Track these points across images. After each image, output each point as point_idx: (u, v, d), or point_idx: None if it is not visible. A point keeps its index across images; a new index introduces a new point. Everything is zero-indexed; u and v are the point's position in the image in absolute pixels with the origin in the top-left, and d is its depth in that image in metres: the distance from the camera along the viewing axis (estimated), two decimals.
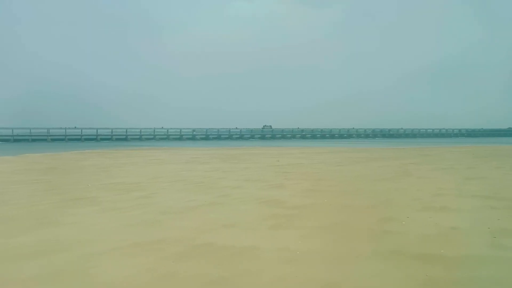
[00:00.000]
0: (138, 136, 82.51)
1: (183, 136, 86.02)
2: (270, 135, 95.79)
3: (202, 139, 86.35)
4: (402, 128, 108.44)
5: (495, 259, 5.64)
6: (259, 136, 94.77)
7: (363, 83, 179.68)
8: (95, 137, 77.56)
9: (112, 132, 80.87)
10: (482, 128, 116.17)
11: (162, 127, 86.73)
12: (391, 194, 11.36)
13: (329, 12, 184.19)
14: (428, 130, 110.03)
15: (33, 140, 71.03)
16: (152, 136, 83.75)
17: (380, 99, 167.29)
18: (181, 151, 35.35)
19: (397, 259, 5.70)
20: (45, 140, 72.68)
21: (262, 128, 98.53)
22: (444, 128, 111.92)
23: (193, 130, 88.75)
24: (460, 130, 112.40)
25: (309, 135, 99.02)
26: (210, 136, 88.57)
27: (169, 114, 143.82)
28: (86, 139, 75.92)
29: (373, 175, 16.01)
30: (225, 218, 8.20)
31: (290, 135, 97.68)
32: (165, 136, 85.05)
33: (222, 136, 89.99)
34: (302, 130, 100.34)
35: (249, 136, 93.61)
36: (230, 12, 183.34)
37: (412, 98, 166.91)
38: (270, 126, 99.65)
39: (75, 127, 78.14)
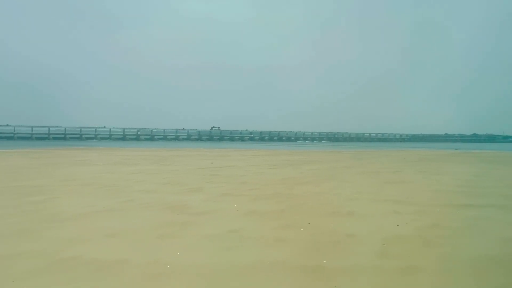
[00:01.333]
0: (78, 135, 78.58)
1: (127, 136, 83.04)
2: (218, 137, 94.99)
3: (146, 139, 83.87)
4: (347, 132, 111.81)
5: (374, 270, 5.40)
6: (207, 137, 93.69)
7: (312, 88, 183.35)
8: (29, 135, 72.90)
9: (49, 130, 76.41)
10: (421, 134, 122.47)
11: (105, 126, 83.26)
12: (306, 198, 11.14)
13: (283, 17, 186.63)
14: (372, 135, 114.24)
15: None
16: (93, 136, 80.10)
17: (327, 105, 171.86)
18: (115, 152, 33.73)
19: (275, 271, 5.31)
20: None
21: (210, 129, 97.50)
22: (386, 133, 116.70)
23: (138, 130, 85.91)
24: (401, 135, 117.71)
25: (258, 137, 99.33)
26: (156, 137, 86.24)
27: (113, 113, 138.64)
28: (19, 138, 71.18)
29: (299, 178, 15.85)
30: (114, 226, 7.49)
31: (238, 137, 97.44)
32: (107, 136, 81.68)
33: (168, 137, 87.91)
34: (251, 132, 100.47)
35: (196, 137, 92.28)
36: (184, 12, 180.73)
37: (358, 105, 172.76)
38: (219, 127, 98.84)
39: (7, 125, 73.02)
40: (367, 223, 8.17)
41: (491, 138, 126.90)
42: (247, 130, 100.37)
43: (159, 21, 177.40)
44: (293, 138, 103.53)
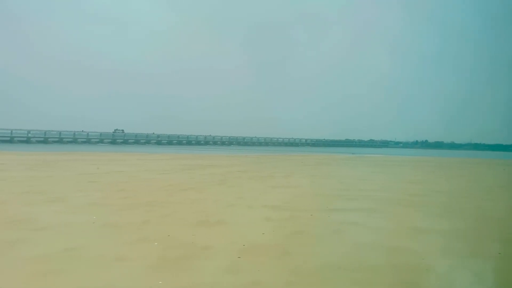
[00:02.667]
0: None
1: (15, 138, 74.52)
2: (122, 140, 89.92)
3: (39, 142, 76.12)
4: (255, 137, 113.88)
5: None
6: (110, 140, 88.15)
7: (223, 92, 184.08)
8: None
9: None
10: (324, 139, 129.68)
11: None
12: (181, 206, 10.38)
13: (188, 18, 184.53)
14: (279, 139, 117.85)
15: None
16: None
17: (237, 109, 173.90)
18: None
19: None
20: None
21: (113, 132, 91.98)
22: (293, 138, 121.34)
23: (28, 132, 77.57)
24: (306, 140, 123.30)
25: (165, 141, 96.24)
26: (50, 139, 78.72)
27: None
28: None
29: (186, 184, 15.04)
30: None
31: (144, 141, 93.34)
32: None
33: (64, 139, 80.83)
34: (158, 136, 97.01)
35: (97, 140, 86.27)
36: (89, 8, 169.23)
37: (268, 109, 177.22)
38: (122, 130, 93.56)
39: None
40: (232, 232, 7.66)
41: (384, 144, 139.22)
42: (154, 133, 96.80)
43: (51, 15, 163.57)
44: (202, 142, 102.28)
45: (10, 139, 74.17)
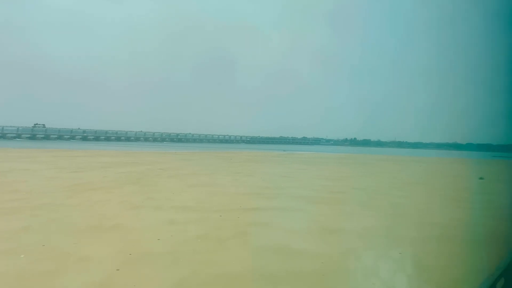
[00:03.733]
0: None
1: None
2: (43, 135, 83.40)
3: None
4: (190, 133, 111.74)
5: None
6: (29, 136, 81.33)
7: (156, 88, 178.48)
8: None
9: None
10: (259, 136, 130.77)
11: None
12: (77, 209, 9.26)
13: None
14: (214, 136, 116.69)
15: None
16: None
17: (174, 106, 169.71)
18: None
19: None
20: None
21: (33, 127, 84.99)
22: (228, 135, 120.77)
23: None
24: (241, 137, 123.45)
25: (92, 137, 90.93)
26: None
27: None
28: None
29: (95, 184, 13.74)
30: None
31: (68, 136, 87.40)
32: None
33: None
34: (84, 131, 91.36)
35: (14, 135, 79.20)
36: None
37: (205, 107, 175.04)
38: (43, 125, 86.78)
39: None
40: (123, 239, 6.81)
41: (316, 141, 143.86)
42: (79, 128, 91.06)
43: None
44: (133, 138, 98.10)
45: None
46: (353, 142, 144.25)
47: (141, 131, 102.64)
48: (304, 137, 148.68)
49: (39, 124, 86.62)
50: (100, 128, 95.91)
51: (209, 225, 8.09)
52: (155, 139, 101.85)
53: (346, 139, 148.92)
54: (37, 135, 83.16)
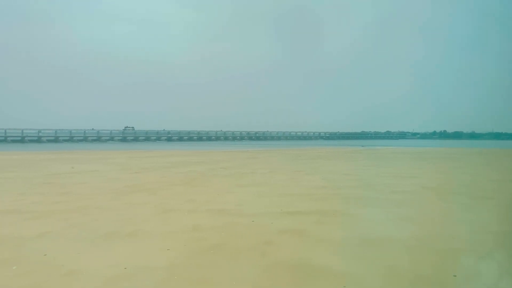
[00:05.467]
0: None
1: (25, 138, 75.05)
2: (132, 137, 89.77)
3: (49, 141, 76.47)
4: (268, 131, 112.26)
5: None
6: (120, 138, 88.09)
7: (238, 87, 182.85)
8: None
9: None
10: (338, 132, 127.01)
11: None
12: (108, 213, 9.00)
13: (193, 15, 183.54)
14: (292, 133, 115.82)
15: None
16: None
17: (250, 104, 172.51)
18: None
19: None
20: None
21: (123, 129, 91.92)
22: (306, 131, 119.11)
23: (39, 131, 78.07)
24: (319, 133, 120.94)
25: (176, 138, 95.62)
26: (60, 138, 79.07)
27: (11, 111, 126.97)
28: None
29: (145, 185, 13.67)
30: None
31: (155, 137, 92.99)
32: (2, 138, 73.08)
33: (74, 138, 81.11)
34: (168, 132, 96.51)
35: (108, 138, 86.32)
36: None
37: (280, 104, 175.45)
38: (133, 127, 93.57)
39: None
40: (131, 248, 6.21)
41: (401, 135, 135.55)
42: (164, 129, 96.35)
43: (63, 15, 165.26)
44: (213, 137, 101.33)
45: (21, 139, 74.79)
46: (443, 135, 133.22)
47: (221, 130, 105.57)
48: (387, 131, 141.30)
49: (129, 127, 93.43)
50: (184, 129, 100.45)
51: (233, 232, 7.22)
52: (234, 138, 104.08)
53: (435, 132, 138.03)
54: (127, 137, 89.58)
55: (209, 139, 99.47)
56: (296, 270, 5.30)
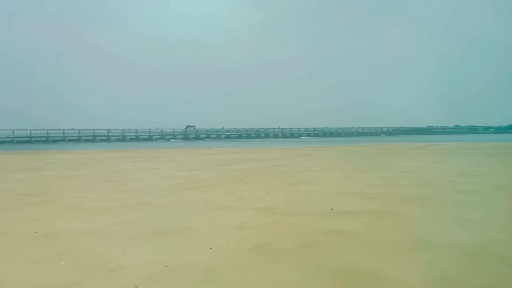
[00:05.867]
0: (44, 138, 75.83)
1: (97, 138, 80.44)
2: (193, 136, 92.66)
3: (118, 140, 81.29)
4: (327, 127, 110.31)
5: None
6: (182, 136, 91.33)
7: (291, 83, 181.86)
8: None
9: (13, 134, 73.58)
10: (402, 127, 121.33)
11: (73, 128, 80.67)
12: (160, 209, 9.24)
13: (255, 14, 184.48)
14: (352, 129, 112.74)
15: None
16: (61, 138, 77.37)
17: (309, 100, 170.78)
18: (52, 156, 31.48)
19: None
20: None
21: (185, 128, 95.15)
22: (367, 127, 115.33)
23: (108, 131, 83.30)
24: (382, 129, 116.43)
25: (235, 135, 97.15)
26: (127, 137, 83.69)
27: (84, 114, 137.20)
28: None
29: (199, 182, 13.92)
30: None
31: (215, 135, 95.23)
32: (76, 138, 78.98)
33: (140, 137, 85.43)
34: (228, 130, 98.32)
35: (171, 136, 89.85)
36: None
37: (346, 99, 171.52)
38: (194, 126, 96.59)
39: None
40: (175, 246, 6.27)
41: (472, 129, 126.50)
42: (223, 128, 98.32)
43: (136, 20, 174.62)
44: (271, 135, 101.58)
45: (92, 139, 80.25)
46: None
47: (279, 127, 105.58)
48: (456, 126, 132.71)
49: (190, 126, 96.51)
50: (242, 127, 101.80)
51: (277, 232, 7.04)
52: (292, 135, 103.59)
53: (510, 125, 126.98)
54: (189, 135, 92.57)
55: (267, 136, 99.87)
56: (339, 275, 5.01)
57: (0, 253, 6.02)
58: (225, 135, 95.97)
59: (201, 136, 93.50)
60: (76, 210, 9.24)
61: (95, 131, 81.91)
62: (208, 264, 5.42)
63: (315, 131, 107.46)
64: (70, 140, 76.85)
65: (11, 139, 72.06)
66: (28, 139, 73.65)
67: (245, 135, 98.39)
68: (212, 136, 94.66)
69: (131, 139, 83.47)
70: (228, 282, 4.80)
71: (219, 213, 8.81)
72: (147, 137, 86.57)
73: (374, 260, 5.52)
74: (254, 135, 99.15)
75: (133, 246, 6.30)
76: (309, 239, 6.59)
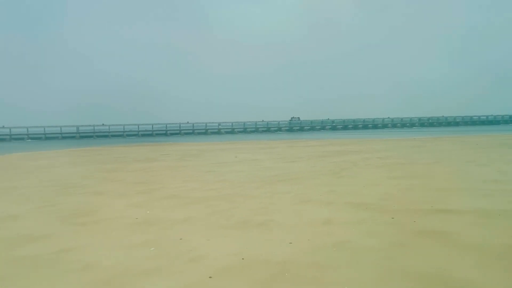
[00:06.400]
0: (164, 131, 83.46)
1: (208, 130, 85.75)
2: (298, 127, 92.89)
3: (227, 132, 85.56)
4: (443, 116, 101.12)
5: None
6: (287, 128, 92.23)
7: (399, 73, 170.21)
8: (121, 133, 79.60)
9: (138, 128, 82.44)
10: None
11: (188, 122, 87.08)
12: (249, 201, 9.39)
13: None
14: (474, 118, 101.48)
15: (97, 137, 75.96)
16: (177, 131, 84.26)
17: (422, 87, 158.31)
18: (163, 148, 34.42)
19: None
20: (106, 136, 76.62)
21: (290, 120, 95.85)
22: (492, 115, 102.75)
23: (219, 124, 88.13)
24: (510, 116, 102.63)
25: (340, 126, 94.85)
26: (236, 130, 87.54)
27: (196, 109, 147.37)
28: (113, 136, 78.20)
29: (293, 174, 13.86)
30: None
31: (319, 127, 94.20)
32: (190, 131, 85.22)
33: (248, 129, 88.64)
34: (333, 121, 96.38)
35: (276, 128, 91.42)
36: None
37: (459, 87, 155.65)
38: (298, 117, 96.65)
39: (103, 124, 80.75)
40: (254, 239, 6.29)
41: None
42: (328, 119, 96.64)
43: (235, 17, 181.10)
44: (379, 125, 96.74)
45: (205, 131, 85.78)
46: None
47: (388, 117, 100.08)
48: None
49: (295, 117, 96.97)
50: (348, 118, 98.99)
51: (364, 230, 6.61)
52: (403, 125, 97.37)
53: None
54: (293, 127, 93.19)
55: (375, 127, 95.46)
56: (424, 281, 4.48)
57: (99, 237, 6.71)
58: (330, 126, 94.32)
59: (305, 127, 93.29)
60: (175, 199, 9.89)
61: (207, 124, 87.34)
62: (285, 259, 5.31)
63: (430, 121, 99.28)
64: (185, 133, 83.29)
65: (136, 132, 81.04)
66: (150, 132, 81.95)
67: (351, 125, 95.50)
68: (317, 127, 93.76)
69: (239, 131, 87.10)
70: (300, 280, 4.63)
71: (307, 206, 8.62)
72: (253, 129, 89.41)
73: (470, 267, 4.82)
74: (361, 125, 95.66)
75: (216, 236, 6.49)
76: (398, 239, 6.04)
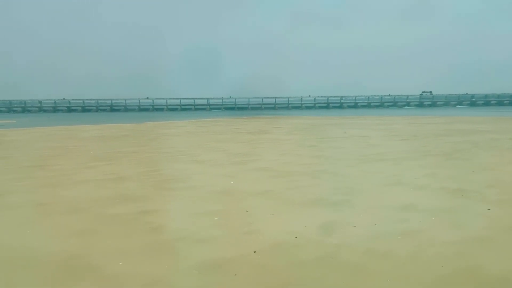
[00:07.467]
0: (286, 105, 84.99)
1: (330, 105, 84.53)
2: (429, 102, 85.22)
3: (350, 107, 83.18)
4: None
5: None
6: (417, 103, 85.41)
7: None
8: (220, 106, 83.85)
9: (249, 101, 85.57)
10: None
11: (309, 96, 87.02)
12: (336, 179, 9.07)
13: None
14: None
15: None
16: (299, 105, 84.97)
17: None
18: (276, 121, 35.01)
19: None
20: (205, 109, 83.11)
21: (420, 94, 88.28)
22: None
23: (341, 98, 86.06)
24: None
25: (481, 102, 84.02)
26: (359, 104, 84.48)
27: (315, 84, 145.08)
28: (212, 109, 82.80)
29: (397, 153, 12.88)
30: None
31: (455, 102, 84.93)
32: (312, 105, 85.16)
33: (372, 103, 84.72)
34: (472, 96, 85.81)
35: (404, 103, 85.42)
36: None
37: None
38: (430, 92, 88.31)
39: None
40: (321, 218, 6.08)
41: None
42: (467, 93, 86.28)
43: None
44: None
45: (326, 105, 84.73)
46: None
47: None
48: None
49: (426, 92, 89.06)
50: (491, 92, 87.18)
51: (448, 220, 5.84)
52: None
53: None
54: (424, 102, 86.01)
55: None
56: (496, 287, 3.81)
57: (178, 202, 7.26)
58: (468, 102, 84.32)
59: (438, 103, 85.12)
60: (263, 171, 10.09)
61: (329, 98, 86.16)
62: (339, 243, 5.04)
63: None
64: (306, 107, 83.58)
65: (273, 105, 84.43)
66: (273, 105, 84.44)
67: (494, 101, 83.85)
68: (452, 103, 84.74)
69: (362, 106, 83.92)
70: (345, 267, 4.36)
71: (394, 189, 7.97)
72: (378, 103, 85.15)
73: None
74: (507, 101, 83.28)
75: (282, 212, 6.46)
76: (485, 234, 5.22)
